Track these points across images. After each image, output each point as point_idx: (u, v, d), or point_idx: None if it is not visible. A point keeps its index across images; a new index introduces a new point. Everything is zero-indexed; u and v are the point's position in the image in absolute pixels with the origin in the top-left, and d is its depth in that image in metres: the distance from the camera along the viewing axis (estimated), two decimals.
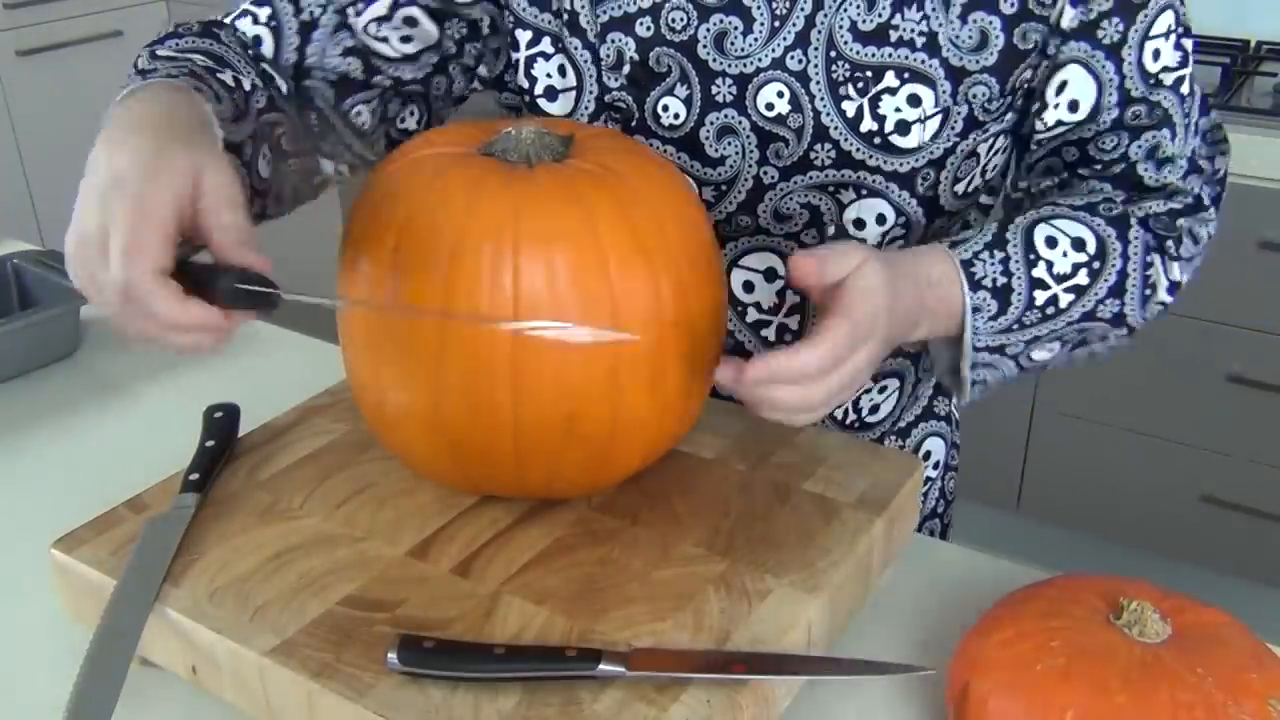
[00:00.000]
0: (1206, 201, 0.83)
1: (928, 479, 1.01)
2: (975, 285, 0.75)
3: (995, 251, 0.76)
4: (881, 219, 0.81)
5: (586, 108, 0.83)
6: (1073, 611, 0.64)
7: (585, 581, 0.68)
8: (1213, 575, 2.10)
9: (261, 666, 0.63)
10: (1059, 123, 0.80)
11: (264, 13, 0.84)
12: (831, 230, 0.82)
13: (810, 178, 0.80)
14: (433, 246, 0.65)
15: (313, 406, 0.87)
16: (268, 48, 0.84)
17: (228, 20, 0.85)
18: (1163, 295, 0.82)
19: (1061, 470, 2.20)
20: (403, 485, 0.77)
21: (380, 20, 0.83)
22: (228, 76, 0.76)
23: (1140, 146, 0.80)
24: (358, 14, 0.83)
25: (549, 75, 0.84)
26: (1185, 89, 0.80)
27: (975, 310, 0.76)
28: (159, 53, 0.76)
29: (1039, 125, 0.81)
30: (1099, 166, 0.82)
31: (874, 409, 0.94)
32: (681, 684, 0.60)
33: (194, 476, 0.77)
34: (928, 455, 0.99)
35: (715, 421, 0.83)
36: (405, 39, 0.85)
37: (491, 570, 0.69)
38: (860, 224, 0.81)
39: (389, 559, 0.70)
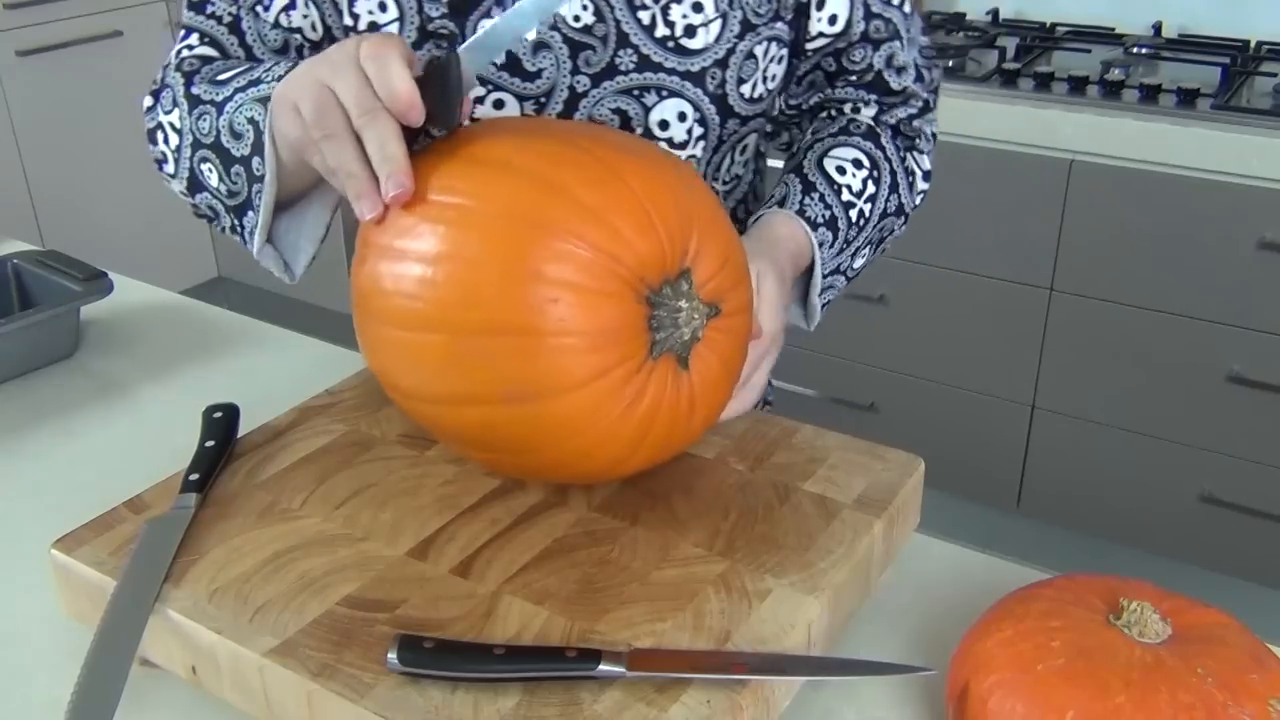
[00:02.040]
0: (931, 105, 1.04)
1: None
2: (814, 226, 0.92)
3: (811, 194, 0.94)
4: (682, 117, 0.91)
5: (409, 37, 0.89)
6: (1073, 611, 0.63)
7: (585, 582, 0.68)
8: (1213, 575, 2.10)
9: (261, 666, 0.63)
10: (820, 34, 0.95)
11: (195, 37, 0.93)
12: (639, 133, 0.91)
13: (617, 82, 0.89)
14: None
15: (313, 406, 0.87)
16: (221, 51, 0.92)
17: (175, 58, 0.92)
18: (921, 184, 1.03)
19: (1061, 470, 2.20)
20: (403, 485, 0.77)
21: (286, 9, 0.91)
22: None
23: (881, 56, 0.97)
24: (265, 9, 0.91)
25: (370, 11, 0.89)
26: (907, 8, 0.98)
27: (821, 245, 0.93)
28: (218, 80, 0.84)
29: (807, 37, 0.96)
30: (853, 77, 0.99)
31: None
32: (681, 684, 0.60)
33: (194, 477, 0.77)
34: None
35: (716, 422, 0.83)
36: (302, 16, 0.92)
37: (491, 570, 0.69)
38: (665, 125, 0.91)
39: (389, 559, 0.70)
